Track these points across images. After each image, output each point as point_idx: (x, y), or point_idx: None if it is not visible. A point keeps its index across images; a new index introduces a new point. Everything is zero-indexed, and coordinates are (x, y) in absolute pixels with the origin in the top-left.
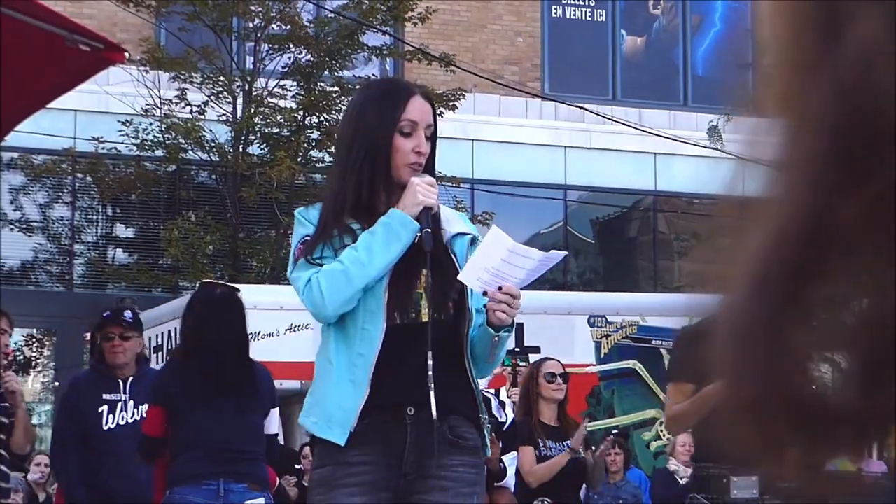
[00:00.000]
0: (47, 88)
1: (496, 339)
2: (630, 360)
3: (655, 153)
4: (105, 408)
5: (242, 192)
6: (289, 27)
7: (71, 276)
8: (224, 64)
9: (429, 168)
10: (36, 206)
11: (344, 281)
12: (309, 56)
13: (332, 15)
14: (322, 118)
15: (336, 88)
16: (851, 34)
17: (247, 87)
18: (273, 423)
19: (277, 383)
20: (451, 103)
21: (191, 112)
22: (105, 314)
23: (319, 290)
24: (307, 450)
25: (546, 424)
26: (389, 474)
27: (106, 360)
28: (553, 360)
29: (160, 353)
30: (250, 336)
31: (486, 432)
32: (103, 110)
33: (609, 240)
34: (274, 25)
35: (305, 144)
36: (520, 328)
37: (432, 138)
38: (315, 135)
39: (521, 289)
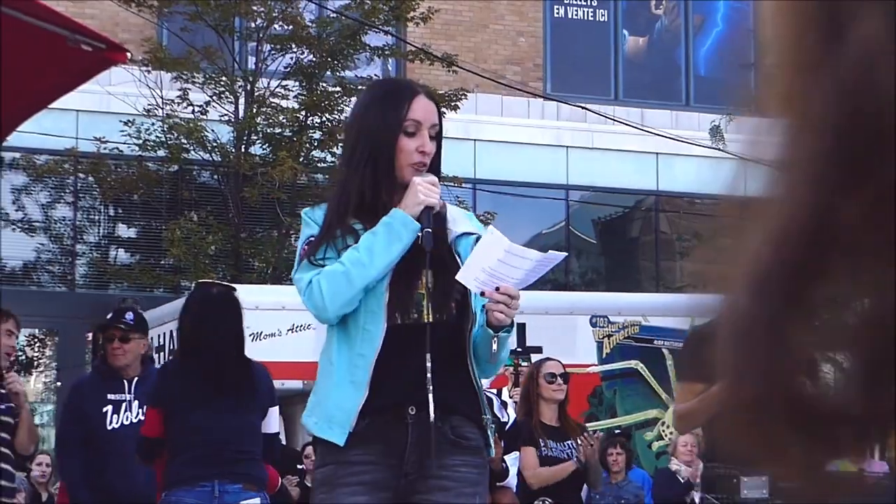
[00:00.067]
0: (49, 88)
1: (495, 339)
2: (632, 361)
3: (657, 153)
4: (109, 408)
5: (244, 192)
6: (291, 27)
7: (73, 277)
8: (226, 64)
9: (434, 167)
10: (38, 206)
11: (345, 282)
12: (311, 56)
13: (335, 15)
14: (324, 118)
15: (338, 89)
16: (853, 34)
17: (249, 88)
18: (272, 422)
19: (279, 383)
20: (452, 103)
21: (193, 112)
22: (108, 315)
23: (320, 292)
24: (309, 450)
25: (547, 425)
26: (390, 474)
27: (108, 362)
28: (553, 360)
29: (162, 353)
30: (252, 336)
31: (489, 432)
32: (105, 110)
33: (611, 240)
34: (276, 25)
35: (307, 145)
36: (522, 328)
37: (437, 138)
38: (317, 135)
39: (523, 289)
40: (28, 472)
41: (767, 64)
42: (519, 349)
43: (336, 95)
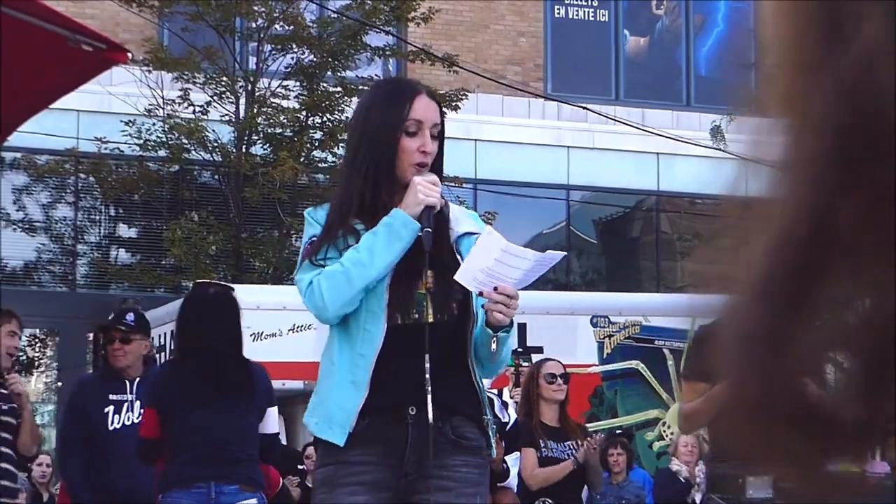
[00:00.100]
0: (50, 89)
1: (494, 339)
2: (633, 361)
3: (658, 153)
4: (111, 408)
5: (245, 192)
6: (292, 27)
7: (74, 277)
8: (227, 64)
9: (437, 167)
10: (39, 206)
11: (345, 283)
12: (312, 56)
13: (335, 15)
14: (325, 118)
15: (339, 89)
16: (853, 34)
17: (249, 88)
18: (271, 423)
19: (280, 383)
20: (453, 104)
21: (194, 112)
22: (110, 316)
23: (320, 293)
24: (310, 450)
25: (547, 425)
26: (390, 474)
27: (109, 362)
28: (553, 360)
29: (163, 354)
30: (253, 336)
31: (489, 433)
32: (106, 110)
33: (612, 240)
34: (277, 26)
35: (308, 145)
36: (522, 328)
37: (439, 137)
38: (318, 135)
39: (524, 288)
40: (29, 473)
41: (768, 64)
42: (520, 349)
43: (337, 96)
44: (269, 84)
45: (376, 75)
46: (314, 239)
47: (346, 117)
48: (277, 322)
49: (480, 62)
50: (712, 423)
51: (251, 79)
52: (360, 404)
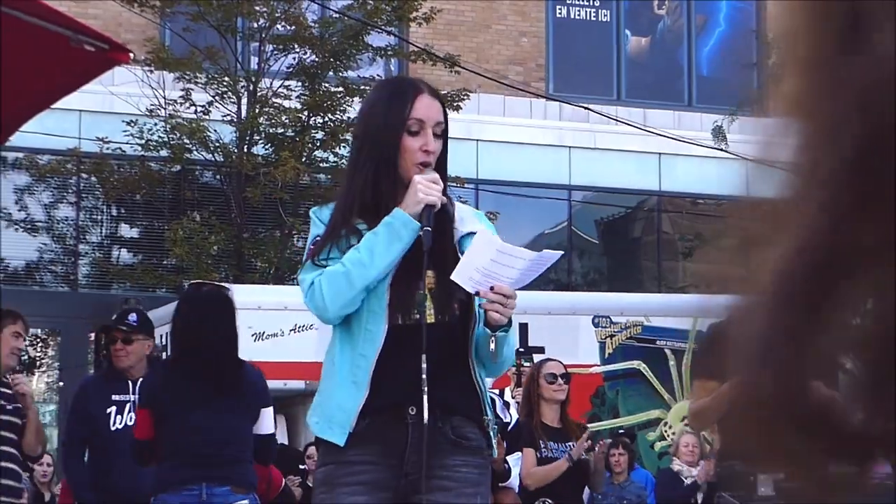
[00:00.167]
0: (52, 89)
1: (493, 339)
2: (634, 361)
3: (660, 153)
4: (113, 409)
5: (247, 192)
6: (293, 27)
7: (75, 277)
8: (228, 64)
9: (441, 165)
10: (40, 206)
11: (345, 283)
12: (313, 56)
13: (337, 15)
14: (326, 118)
15: (341, 89)
16: (873, 37)
17: (251, 88)
18: (266, 423)
19: (282, 383)
20: (455, 104)
21: (195, 112)
22: (113, 316)
23: (321, 293)
24: (312, 450)
25: (548, 425)
26: (390, 474)
27: (112, 363)
28: (554, 360)
29: (164, 354)
30: (255, 336)
31: (490, 433)
32: (108, 111)
33: (613, 240)
34: (278, 26)
35: (310, 145)
36: (524, 328)
37: (443, 136)
38: (319, 135)
39: (526, 289)
40: (31, 472)
41: (782, 64)
42: (521, 349)
43: (338, 96)
44: (271, 84)
45: (378, 75)
46: (318, 239)
47: (348, 117)
48: (279, 322)
49: (482, 62)
50: (722, 421)
51: (253, 79)
52: (360, 404)
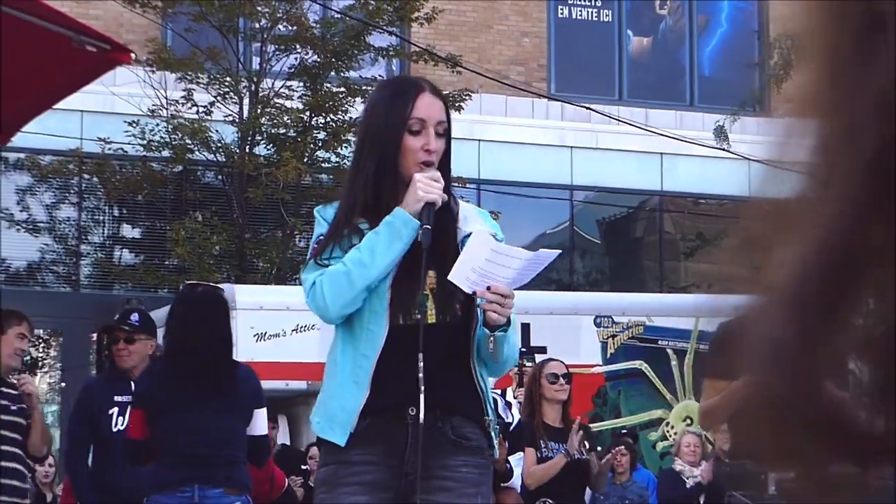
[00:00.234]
0: (54, 89)
1: (491, 339)
2: (636, 361)
3: (661, 153)
4: (115, 409)
5: (249, 192)
6: (295, 28)
7: (77, 277)
8: (230, 64)
9: (444, 164)
10: (42, 206)
11: (346, 283)
12: (315, 57)
13: (339, 16)
14: (328, 119)
15: (342, 89)
16: (892, 44)
17: (253, 88)
18: (259, 425)
19: (284, 384)
20: (457, 104)
21: (197, 113)
22: (115, 316)
23: (322, 294)
24: (314, 450)
25: (549, 425)
26: (391, 474)
27: (114, 363)
28: (555, 360)
29: None
30: (257, 336)
31: (492, 433)
32: (110, 111)
33: (615, 240)
34: (280, 26)
35: (312, 145)
36: (526, 328)
37: (446, 134)
38: (321, 135)
39: (528, 289)
40: (33, 473)
41: (798, 65)
42: (523, 349)
43: (340, 96)
44: (273, 84)
45: (379, 76)
46: (321, 238)
47: (350, 118)
48: (281, 322)
49: (484, 62)
50: (733, 420)
51: (254, 79)
52: (361, 404)
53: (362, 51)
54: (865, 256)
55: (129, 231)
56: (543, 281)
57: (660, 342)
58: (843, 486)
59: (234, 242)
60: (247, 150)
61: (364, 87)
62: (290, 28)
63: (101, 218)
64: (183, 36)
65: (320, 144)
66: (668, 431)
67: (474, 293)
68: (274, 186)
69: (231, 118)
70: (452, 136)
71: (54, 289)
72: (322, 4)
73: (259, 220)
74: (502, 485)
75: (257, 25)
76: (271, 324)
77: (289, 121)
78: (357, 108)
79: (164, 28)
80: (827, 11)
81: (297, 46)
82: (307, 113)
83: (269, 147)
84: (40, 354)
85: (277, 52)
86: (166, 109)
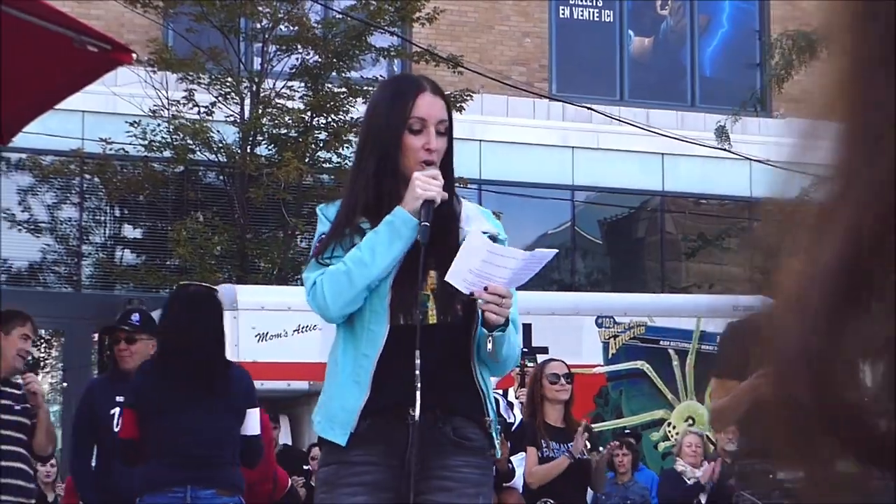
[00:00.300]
0: (55, 89)
1: (490, 339)
2: (638, 361)
3: (663, 154)
4: (117, 410)
5: (250, 192)
6: (296, 28)
7: (79, 277)
8: (232, 65)
9: (446, 163)
10: (44, 206)
11: (346, 283)
12: (316, 57)
13: (340, 16)
14: (330, 119)
15: (344, 89)
16: None
17: (254, 88)
18: (251, 425)
19: (285, 384)
20: (458, 104)
21: (198, 113)
22: (116, 317)
23: (323, 293)
24: (316, 450)
25: (551, 426)
26: (391, 474)
27: (116, 364)
28: (557, 360)
29: None
30: (258, 337)
31: (493, 433)
32: (111, 111)
33: (617, 240)
34: (282, 26)
35: (313, 145)
36: (528, 329)
37: (447, 133)
38: (323, 136)
39: (530, 289)
40: (35, 472)
41: (824, 65)
42: (525, 349)
43: (341, 96)
44: (274, 85)
45: (381, 76)
46: (323, 237)
47: (351, 118)
48: (282, 322)
49: (485, 63)
50: (743, 420)
51: (256, 79)
52: (362, 404)
53: (363, 51)
54: (886, 260)
55: (130, 231)
56: (545, 281)
57: (661, 342)
58: (844, 486)
59: (236, 243)
60: (248, 151)
61: (365, 88)
62: (291, 28)
63: (103, 218)
64: (184, 36)
65: (321, 145)
66: (669, 432)
67: (471, 294)
68: (275, 187)
69: (232, 118)
70: (454, 136)
71: (56, 289)
72: (323, 5)
73: (260, 220)
74: (504, 485)
75: (258, 26)
76: (273, 324)
77: (290, 121)
78: (358, 109)
79: (165, 28)
80: (853, 11)
81: (299, 47)
82: (308, 113)
83: (270, 147)
84: (42, 355)
85: (279, 53)
86: (167, 110)
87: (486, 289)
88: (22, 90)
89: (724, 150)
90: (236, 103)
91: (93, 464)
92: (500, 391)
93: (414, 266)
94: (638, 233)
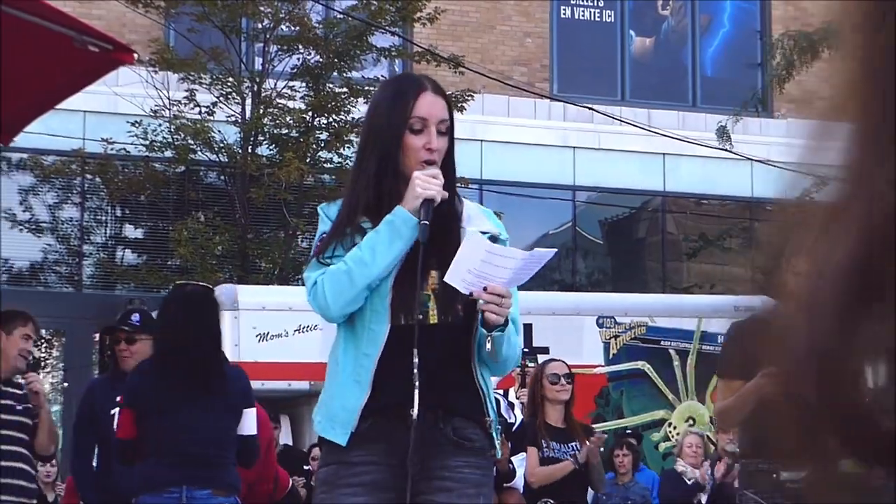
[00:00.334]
0: (56, 89)
1: (489, 339)
2: (639, 361)
3: (664, 154)
4: (116, 410)
5: (251, 192)
6: (297, 28)
7: (80, 277)
8: (233, 65)
9: (447, 163)
10: (45, 206)
11: (347, 282)
12: (318, 57)
13: (341, 16)
14: (331, 119)
15: (345, 89)
16: None
17: (255, 88)
18: (248, 424)
19: (286, 384)
20: (459, 104)
21: (200, 113)
22: (117, 317)
23: (323, 292)
24: (316, 451)
25: (551, 426)
26: (392, 474)
27: (117, 364)
28: (557, 360)
29: None
30: (259, 337)
31: (494, 434)
32: (112, 111)
33: (617, 240)
34: (283, 26)
35: (314, 145)
36: (529, 329)
37: (448, 133)
38: (324, 136)
39: (530, 289)
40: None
41: (835, 66)
42: (525, 350)
43: (343, 96)
44: (275, 85)
45: (382, 76)
46: (324, 236)
47: (352, 118)
48: (283, 322)
49: (486, 63)
50: (748, 419)
51: (257, 79)
52: (362, 404)
53: (365, 51)
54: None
55: (131, 231)
56: (546, 281)
57: (662, 343)
58: (847, 485)
59: (237, 243)
60: (249, 151)
61: (366, 88)
62: (292, 28)
63: (104, 218)
64: (185, 36)
65: (322, 145)
66: (670, 432)
67: (471, 294)
68: (276, 187)
69: (233, 118)
70: (455, 136)
71: (57, 289)
72: (324, 5)
73: (261, 220)
74: (505, 485)
75: (260, 26)
76: (274, 324)
77: (291, 121)
78: (359, 109)
79: (166, 28)
80: (864, 12)
81: (300, 47)
82: (309, 113)
83: (271, 147)
84: (43, 354)
85: (280, 53)
86: (169, 110)
87: (485, 289)
88: (23, 90)
89: (726, 150)
90: (237, 103)
91: (94, 464)
92: (501, 391)
93: (415, 265)
94: (639, 233)
